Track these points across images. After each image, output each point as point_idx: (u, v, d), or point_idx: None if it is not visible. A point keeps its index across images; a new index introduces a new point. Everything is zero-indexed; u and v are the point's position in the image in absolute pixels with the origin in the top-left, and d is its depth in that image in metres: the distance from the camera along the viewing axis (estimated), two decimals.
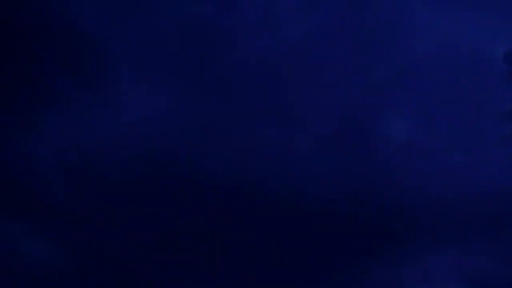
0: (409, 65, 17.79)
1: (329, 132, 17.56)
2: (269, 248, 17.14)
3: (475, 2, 18.12)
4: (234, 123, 17.65)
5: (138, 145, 17.46)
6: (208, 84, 17.82)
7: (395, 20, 18.00)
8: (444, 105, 17.80)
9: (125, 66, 17.75)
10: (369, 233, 17.15)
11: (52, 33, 17.47)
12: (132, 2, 17.80)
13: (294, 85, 17.77)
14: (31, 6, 17.42)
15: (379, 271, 17.10)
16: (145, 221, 17.23)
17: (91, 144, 17.38)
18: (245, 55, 17.71)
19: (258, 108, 17.72)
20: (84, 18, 17.58)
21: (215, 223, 17.26)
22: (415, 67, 17.80)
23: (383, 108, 17.63)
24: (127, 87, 17.70)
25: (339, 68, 17.79)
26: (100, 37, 17.54)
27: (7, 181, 17.13)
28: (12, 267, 16.90)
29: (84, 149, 17.34)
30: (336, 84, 17.79)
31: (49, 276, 16.90)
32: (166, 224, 17.23)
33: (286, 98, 17.75)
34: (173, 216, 17.26)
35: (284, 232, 17.18)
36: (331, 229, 17.11)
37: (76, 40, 17.54)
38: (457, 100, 17.77)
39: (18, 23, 17.35)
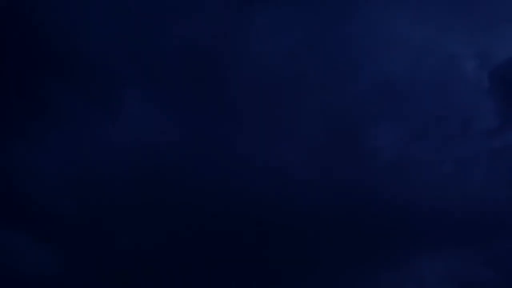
0: (393, 79, 18.31)
1: (320, 143, 18.15)
2: (262, 256, 17.74)
3: (457, 16, 18.69)
4: (230, 137, 18.26)
5: (140, 158, 18.04)
6: (206, 102, 18.47)
7: (376, 34, 18.53)
8: (431, 120, 18.39)
9: (129, 84, 18.43)
10: (363, 240, 17.65)
11: (60, 54, 18.13)
12: (136, 26, 18.46)
13: (285, 101, 18.44)
14: (41, 27, 18.13)
15: (373, 276, 17.68)
16: (145, 232, 17.77)
17: (94, 157, 17.94)
18: (239, 74, 18.35)
19: (251, 122, 18.38)
20: (90, 41, 18.27)
21: (213, 233, 17.82)
22: (400, 81, 18.36)
23: (372, 120, 18.21)
24: (131, 104, 18.38)
25: (321, 82, 18.34)
26: (105, 58, 18.21)
27: (11, 191, 17.69)
28: (13, 276, 17.29)
29: (87, 162, 17.90)
30: (317, 102, 18.37)
31: (49, 285, 17.33)
32: (166, 235, 17.75)
33: (276, 111, 18.39)
34: (173, 227, 17.76)
35: (277, 239, 17.72)
36: (324, 236, 17.63)
37: (83, 60, 18.21)
38: (443, 115, 18.39)
39: (29, 45, 18.08)
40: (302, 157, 18.10)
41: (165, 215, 17.89)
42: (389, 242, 17.68)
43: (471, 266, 17.67)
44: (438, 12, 18.58)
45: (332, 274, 17.66)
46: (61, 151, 18.08)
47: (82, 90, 18.25)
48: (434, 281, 17.71)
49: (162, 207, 17.94)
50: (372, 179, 17.83)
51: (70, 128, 18.13)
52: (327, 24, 18.53)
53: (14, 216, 17.64)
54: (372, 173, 17.87)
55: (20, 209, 17.68)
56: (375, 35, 18.41)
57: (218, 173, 18.11)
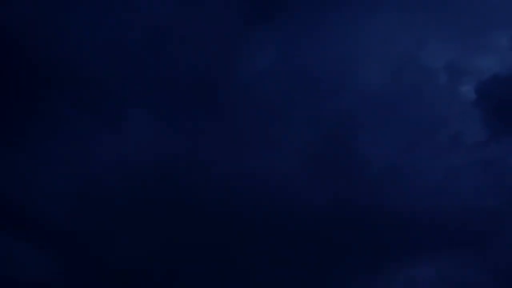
0: (379, 93, 19.15)
1: (314, 153, 18.90)
2: (257, 261, 18.38)
3: (440, 29, 19.54)
4: (230, 151, 19.05)
5: (140, 171, 18.78)
6: (204, 118, 19.33)
7: (361, 48, 19.45)
8: (421, 132, 19.26)
9: (132, 100, 19.24)
10: (356, 245, 18.32)
11: (64, 69, 18.86)
12: (139, 48, 19.37)
13: (279, 114, 19.37)
14: (49, 44, 18.97)
15: (366, 280, 18.35)
16: (144, 241, 18.40)
17: (97, 169, 18.66)
18: (237, 91, 19.29)
19: (248, 135, 19.19)
20: (96, 58, 19.07)
21: (211, 242, 18.49)
22: (386, 94, 19.20)
23: (365, 132, 19.07)
24: (133, 119, 19.19)
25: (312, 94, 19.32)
26: (110, 74, 19.03)
27: (13, 202, 18.31)
28: (12, 283, 17.87)
29: (90, 174, 18.62)
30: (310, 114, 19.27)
31: None
32: (166, 244, 18.41)
33: (272, 124, 19.30)
34: (172, 236, 18.39)
35: (271, 246, 18.40)
36: (317, 242, 18.30)
37: (87, 76, 18.95)
38: (432, 128, 19.29)
39: (36, 59, 18.82)
40: (296, 167, 18.81)
41: (165, 226, 18.56)
42: (382, 247, 18.35)
43: (463, 270, 18.35)
44: (422, 26, 19.42)
45: (325, 279, 18.34)
46: (64, 163, 18.79)
47: (86, 105, 19.00)
48: (426, 285, 18.38)
49: (162, 218, 18.64)
50: (365, 186, 18.58)
51: (73, 141, 18.88)
52: (318, 42, 19.53)
53: (14, 224, 18.27)
54: (366, 181, 18.62)
55: (21, 217, 18.33)
56: (361, 48, 19.32)
57: (217, 185, 18.81)
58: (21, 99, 18.86)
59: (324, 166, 18.94)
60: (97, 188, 18.75)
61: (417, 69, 19.20)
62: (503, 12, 19.41)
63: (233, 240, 18.57)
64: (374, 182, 18.69)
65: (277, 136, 19.10)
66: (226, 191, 18.83)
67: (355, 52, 19.25)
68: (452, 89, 19.44)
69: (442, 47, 19.29)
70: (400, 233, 18.49)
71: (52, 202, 18.58)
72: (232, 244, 18.60)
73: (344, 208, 18.51)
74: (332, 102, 19.05)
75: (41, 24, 19.02)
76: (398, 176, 18.80)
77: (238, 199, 18.77)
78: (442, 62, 19.27)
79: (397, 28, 19.38)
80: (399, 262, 18.44)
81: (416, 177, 18.84)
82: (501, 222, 18.52)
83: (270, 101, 19.24)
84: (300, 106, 19.28)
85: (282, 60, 19.40)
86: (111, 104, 19.19)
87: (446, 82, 19.42)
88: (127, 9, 19.39)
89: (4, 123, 18.85)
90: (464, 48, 19.30)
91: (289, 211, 18.63)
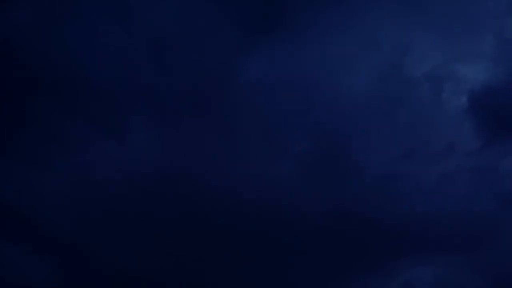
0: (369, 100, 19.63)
1: (309, 157, 19.35)
2: (252, 266, 18.76)
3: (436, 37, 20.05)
4: (230, 160, 19.53)
5: (141, 179, 19.15)
6: (205, 126, 19.81)
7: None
8: (415, 140, 19.70)
9: (134, 110, 19.68)
10: (351, 248, 18.74)
11: (67, 82, 19.33)
12: (140, 57, 19.84)
13: (277, 122, 19.86)
14: (50, 57, 19.38)
15: (361, 284, 18.70)
16: (144, 250, 18.78)
17: (97, 179, 19.05)
18: (238, 101, 19.82)
19: (248, 142, 19.66)
20: (98, 69, 19.54)
21: (211, 252, 18.91)
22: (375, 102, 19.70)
23: (358, 137, 19.55)
24: (133, 129, 19.59)
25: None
26: (111, 85, 19.49)
27: (14, 209, 18.64)
28: None
29: (91, 183, 19.00)
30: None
31: None
32: (166, 253, 18.80)
33: (272, 132, 19.83)
34: (173, 245, 18.82)
35: (266, 250, 18.80)
36: (312, 244, 18.72)
37: (90, 88, 19.44)
38: (426, 135, 19.74)
39: (37, 71, 19.25)
40: (293, 175, 19.30)
41: (167, 235, 18.95)
42: (379, 251, 18.80)
43: (457, 273, 18.79)
44: (410, 33, 19.94)
45: (320, 282, 18.68)
46: (65, 173, 19.18)
47: (89, 116, 19.46)
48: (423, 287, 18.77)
49: (162, 227, 19.02)
50: (362, 191, 19.04)
51: (74, 148, 19.26)
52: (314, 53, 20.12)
53: (13, 231, 18.60)
54: (362, 186, 19.10)
55: (21, 225, 18.65)
56: (355, 56, 19.81)
57: (216, 194, 19.22)
58: (22, 107, 19.27)
59: (320, 173, 19.37)
60: (98, 196, 19.12)
61: (407, 79, 19.78)
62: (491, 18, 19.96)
63: (233, 248, 18.98)
64: (370, 188, 19.11)
65: (275, 145, 19.61)
66: (225, 201, 19.21)
67: (348, 60, 19.81)
68: (443, 98, 19.95)
69: (431, 55, 19.83)
70: (396, 237, 18.90)
71: (52, 210, 18.89)
72: (231, 252, 19.00)
73: (340, 213, 18.91)
74: (328, 111, 19.58)
75: (43, 33, 19.50)
76: (393, 182, 19.25)
77: (236, 208, 19.17)
78: (432, 71, 19.83)
79: (385, 36, 19.98)
80: (395, 265, 18.82)
81: (412, 182, 19.31)
82: (494, 226, 19.00)
83: (268, 111, 19.78)
84: (296, 115, 19.80)
85: (278, 70, 20.00)
86: (112, 112, 19.61)
87: (434, 91, 19.94)
88: (129, 18, 19.85)
89: (5, 131, 19.23)
90: (455, 56, 19.80)
91: (285, 217, 19.05)
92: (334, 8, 19.84)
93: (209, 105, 19.85)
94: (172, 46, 19.81)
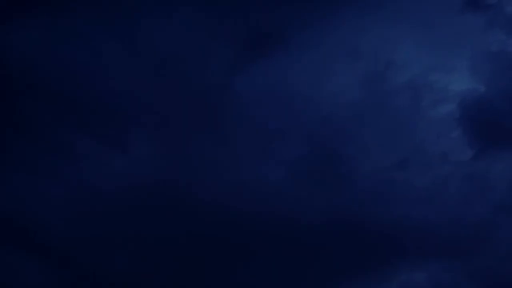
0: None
1: (302, 162, 19.77)
2: (248, 270, 19.06)
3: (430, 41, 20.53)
4: (224, 162, 20.04)
5: (140, 188, 19.55)
6: (204, 139, 20.34)
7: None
8: (410, 147, 20.15)
9: (135, 123, 20.25)
10: (347, 254, 19.05)
11: (71, 95, 19.97)
12: (142, 66, 20.54)
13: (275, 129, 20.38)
14: (51, 70, 20.09)
15: (361, 286, 19.03)
16: (144, 259, 19.14)
17: (98, 189, 19.46)
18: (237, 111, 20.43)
19: (243, 152, 20.16)
20: (102, 85, 20.19)
21: (208, 257, 19.26)
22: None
23: (352, 146, 19.99)
24: (137, 141, 20.15)
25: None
26: (113, 97, 20.14)
27: (12, 217, 19.05)
28: None
29: (91, 193, 19.42)
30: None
31: None
32: (163, 260, 19.14)
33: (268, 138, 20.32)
34: (169, 254, 19.19)
35: (263, 257, 19.15)
36: (309, 251, 19.02)
37: (93, 101, 20.05)
38: (419, 144, 20.20)
39: (44, 86, 19.94)
40: (289, 180, 19.73)
41: (164, 242, 19.32)
42: (375, 255, 19.11)
43: (452, 276, 19.04)
44: (403, 45, 20.51)
45: (317, 286, 18.95)
46: (67, 183, 19.61)
47: (91, 128, 20.03)
48: None
49: (160, 234, 19.40)
50: (356, 198, 19.42)
51: (72, 157, 19.73)
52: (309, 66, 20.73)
53: (12, 237, 18.97)
54: (358, 191, 19.49)
55: (20, 233, 19.03)
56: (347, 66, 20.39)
57: (213, 202, 19.64)
58: (26, 117, 19.87)
59: (315, 181, 19.79)
60: (98, 206, 19.52)
61: (398, 87, 20.28)
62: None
63: (232, 254, 19.33)
64: (364, 195, 19.48)
65: (273, 153, 20.10)
66: (223, 211, 19.58)
67: (339, 71, 20.41)
68: (435, 109, 20.39)
69: (424, 66, 20.34)
70: (390, 243, 19.26)
71: (51, 219, 19.31)
72: (229, 258, 19.33)
73: (337, 217, 19.28)
74: (322, 118, 20.08)
75: (51, 50, 20.29)
76: (389, 187, 19.62)
77: (233, 218, 19.54)
78: (425, 81, 20.33)
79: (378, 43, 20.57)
80: (390, 271, 19.12)
81: (406, 189, 19.67)
82: (487, 232, 19.29)
83: (264, 124, 20.37)
84: (289, 125, 20.36)
85: (270, 83, 20.66)
86: (112, 123, 20.20)
87: (428, 101, 20.39)
88: (132, 37, 20.66)
89: (8, 141, 19.82)
90: (441, 65, 20.30)
91: (282, 223, 19.39)
92: (319, 21, 20.57)
93: (208, 119, 20.43)
94: (172, 64, 20.55)
